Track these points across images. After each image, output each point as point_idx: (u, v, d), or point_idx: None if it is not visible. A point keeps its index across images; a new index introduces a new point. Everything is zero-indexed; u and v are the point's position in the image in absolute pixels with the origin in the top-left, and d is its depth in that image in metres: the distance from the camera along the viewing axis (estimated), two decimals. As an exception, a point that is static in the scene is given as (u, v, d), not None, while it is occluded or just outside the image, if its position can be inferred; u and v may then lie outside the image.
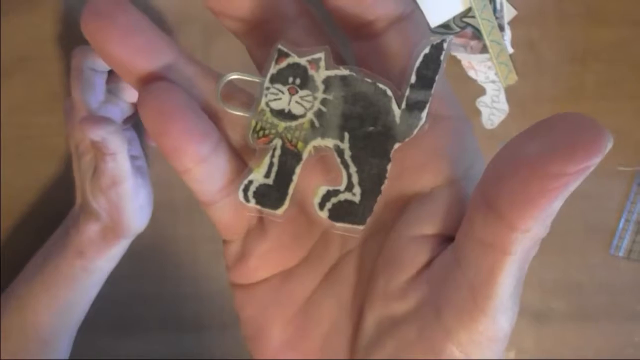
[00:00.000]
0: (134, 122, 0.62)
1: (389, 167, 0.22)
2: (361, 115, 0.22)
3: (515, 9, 0.63)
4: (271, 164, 0.23)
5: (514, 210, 0.19)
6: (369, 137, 0.22)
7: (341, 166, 0.23)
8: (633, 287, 0.66)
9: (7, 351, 0.56)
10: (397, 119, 0.22)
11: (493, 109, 0.64)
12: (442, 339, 0.21)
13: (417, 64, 0.22)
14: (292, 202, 0.23)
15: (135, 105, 0.60)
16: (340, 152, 0.22)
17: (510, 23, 0.63)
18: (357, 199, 0.23)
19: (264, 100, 0.22)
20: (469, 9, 0.61)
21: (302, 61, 0.22)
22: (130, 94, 0.59)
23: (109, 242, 0.58)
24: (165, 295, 0.66)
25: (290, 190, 0.23)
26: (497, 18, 0.61)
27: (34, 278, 0.58)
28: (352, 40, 0.24)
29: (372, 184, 0.22)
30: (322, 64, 0.22)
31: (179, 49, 0.23)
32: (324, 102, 0.22)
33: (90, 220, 0.57)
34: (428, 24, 0.61)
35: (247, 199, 0.23)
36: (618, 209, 0.66)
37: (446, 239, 0.23)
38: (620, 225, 0.66)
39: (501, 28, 0.62)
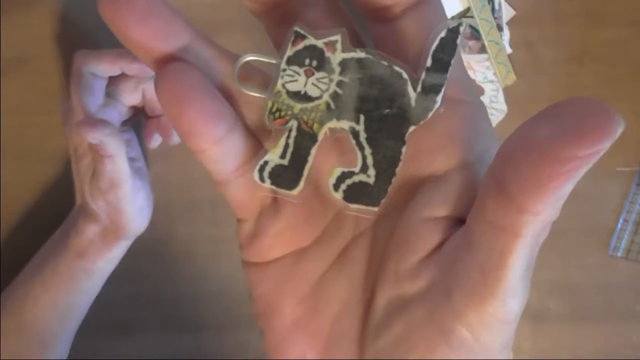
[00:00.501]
0: (133, 124, 0.62)
1: (403, 149, 0.22)
2: (377, 98, 0.22)
3: (514, 9, 0.63)
4: (287, 145, 0.23)
5: (525, 193, 0.19)
6: (385, 120, 0.22)
7: (356, 148, 0.23)
8: (631, 287, 0.66)
9: (6, 352, 0.56)
10: (413, 102, 0.22)
11: (491, 109, 0.64)
12: (451, 320, 0.21)
13: (433, 47, 0.22)
14: (307, 183, 0.23)
15: (133, 108, 0.60)
16: (355, 134, 0.23)
17: (509, 23, 0.63)
18: (371, 180, 0.23)
19: (280, 82, 0.22)
20: (468, 9, 0.61)
21: (319, 43, 0.22)
22: (129, 98, 0.59)
23: (109, 244, 0.58)
24: (163, 295, 0.66)
25: (306, 172, 0.23)
26: (495, 18, 0.62)
27: (33, 279, 0.58)
28: (370, 22, 0.24)
29: (386, 166, 0.23)
30: (339, 46, 0.22)
31: (195, 31, 0.23)
32: (340, 84, 0.22)
33: (89, 222, 0.57)
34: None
35: (262, 179, 0.23)
36: (616, 209, 0.66)
37: (458, 221, 0.23)
38: (619, 225, 0.66)
39: (499, 28, 0.62)
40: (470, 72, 0.64)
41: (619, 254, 0.66)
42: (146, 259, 0.65)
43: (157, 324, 0.66)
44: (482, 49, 0.62)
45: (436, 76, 0.22)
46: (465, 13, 0.61)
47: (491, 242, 0.20)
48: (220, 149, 0.23)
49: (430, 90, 0.22)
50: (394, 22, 0.23)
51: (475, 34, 0.62)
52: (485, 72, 0.64)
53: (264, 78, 0.24)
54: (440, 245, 0.23)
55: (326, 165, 0.24)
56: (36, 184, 0.66)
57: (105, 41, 0.65)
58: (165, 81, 0.22)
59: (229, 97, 0.23)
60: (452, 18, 0.61)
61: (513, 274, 0.20)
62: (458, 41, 0.22)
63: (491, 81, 0.64)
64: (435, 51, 0.22)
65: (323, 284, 0.25)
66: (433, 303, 0.22)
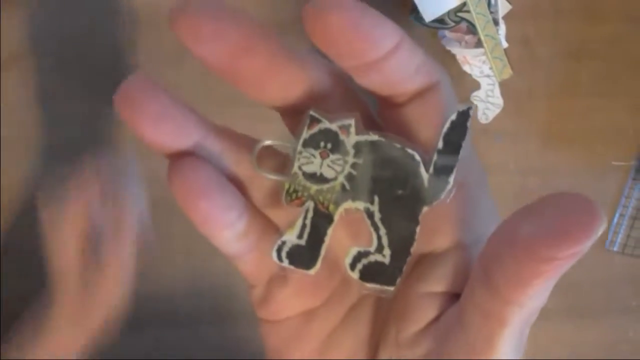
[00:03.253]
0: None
1: (417, 229, 0.23)
2: (390, 179, 0.23)
3: (510, 3, 0.63)
4: (304, 226, 0.24)
5: (509, 287, 0.20)
6: (398, 201, 0.23)
7: (371, 228, 0.23)
8: (628, 282, 0.66)
9: None
10: (426, 183, 0.23)
11: (488, 103, 0.64)
12: None
13: (445, 129, 0.23)
14: (323, 261, 0.24)
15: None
16: (370, 215, 0.23)
17: (505, 18, 0.63)
18: (387, 260, 0.23)
19: (296, 164, 0.23)
20: (464, 4, 0.61)
21: (333, 127, 0.23)
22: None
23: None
24: (161, 292, 0.66)
25: (322, 251, 0.24)
26: (491, 12, 0.61)
27: None
28: (380, 107, 0.24)
29: (401, 245, 0.23)
30: (353, 129, 0.23)
31: (208, 126, 0.24)
32: (354, 166, 0.23)
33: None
34: (423, 19, 0.61)
35: (280, 259, 0.24)
36: (613, 204, 0.66)
37: (454, 296, 0.24)
38: (615, 220, 0.66)
39: (496, 22, 0.62)
40: (466, 67, 0.64)
41: (615, 249, 0.66)
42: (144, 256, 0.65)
43: (156, 321, 0.66)
44: (479, 44, 0.62)
45: (448, 158, 0.23)
46: (461, 7, 0.61)
47: (480, 325, 0.21)
48: (230, 233, 0.24)
49: (442, 171, 0.23)
50: (401, 108, 0.24)
51: (471, 28, 0.62)
52: (481, 67, 0.64)
53: (279, 159, 0.25)
54: (437, 318, 0.24)
55: (337, 240, 0.25)
56: (32, 181, 0.65)
57: (101, 40, 0.65)
58: (177, 176, 0.23)
59: (239, 183, 0.25)
60: (448, 13, 0.61)
61: (501, 355, 0.21)
62: (468, 124, 0.22)
63: (487, 75, 0.64)
64: (446, 133, 0.23)
65: (330, 341, 0.26)
66: None
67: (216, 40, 0.22)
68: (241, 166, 0.25)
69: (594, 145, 0.65)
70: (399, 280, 0.23)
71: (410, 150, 0.23)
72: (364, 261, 0.24)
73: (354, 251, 0.24)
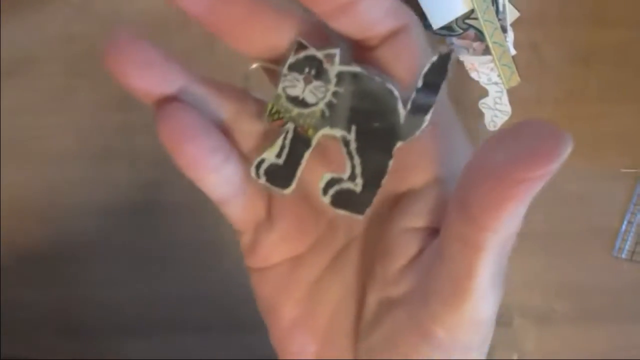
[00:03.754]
0: None
1: (390, 163, 0.24)
2: (368, 111, 0.24)
3: (518, 10, 0.63)
4: (283, 146, 0.25)
5: (484, 213, 0.21)
6: (374, 133, 0.24)
7: (346, 156, 0.24)
8: (636, 289, 0.66)
9: None
10: (402, 120, 0.24)
11: (496, 110, 0.64)
12: (429, 322, 0.23)
13: (425, 70, 0.23)
14: (298, 187, 0.25)
15: None
16: (346, 143, 0.24)
17: (513, 25, 0.63)
18: (358, 189, 0.24)
19: (280, 86, 0.24)
20: (472, 11, 0.61)
21: (319, 54, 0.24)
22: None
23: None
24: (164, 297, 0.66)
25: (298, 173, 0.25)
26: (499, 20, 0.61)
27: None
28: (355, 52, 0.25)
29: (373, 176, 0.24)
30: (337, 59, 0.24)
31: (190, 74, 0.25)
32: (335, 94, 0.24)
33: None
34: (431, 26, 0.61)
35: (258, 176, 0.25)
36: (621, 211, 0.66)
37: (435, 231, 0.25)
38: (623, 227, 0.66)
39: (504, 30, 0.62)
40: (474, 74, 0.64)
41: (623, 256, 0.66)
42: (149, 261, 0.65)
43: (162, 326, 0.66)
44: (486, 51, 0.62)
45: (426, 97, 0.24)
46: (469, 14, 0.61)
47: (459, 255, 0.22)
48: (216, 177, 0.25)
49: (419, 109, 0.24)
50: (374, 51, 0.25)
51: (479, 35, 0.62)
52: (489, 74, 0.64)
53: (259, 106, 0.26)
54: (419, 253, 0.25)
55: (316, 176, 0.26)
56: (37, 186, 0.66)
57: (104, 45, 0.65)
58: (164, 121, 0.24)
59: (224, 128, 0.26)
60: (456, 20, 0.62)
61: (481, 283, 0.22)
62: (448, 66, 0.23)
63: (495, 83, 0.64)
64: (426, 74, 0.24)
65: (319, 286, 0.28)
66: (413, 306, 0.24)
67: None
68: (225, 112, 0.26)
69: (602, 152, 0.65)
70: (368, 209, 0.24)
71: (390, 86, 0.24)
72: (337, 187, 0.25)
73: (327, 177, 0.25)
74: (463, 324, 0.23)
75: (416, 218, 0.25)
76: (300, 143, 0.24)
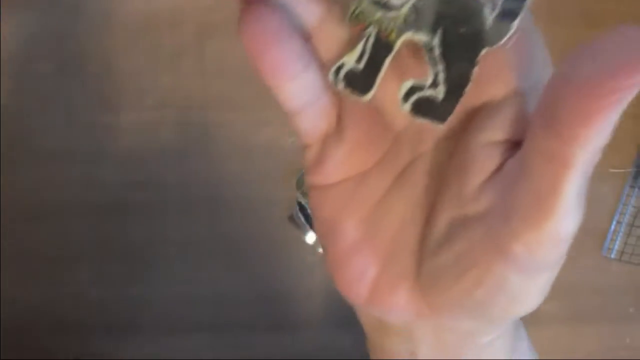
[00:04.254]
0: None
1: (475, 70, 0.23)
2: (455, 16, 0.23)
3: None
4: (364, 51, 0.24)
5: (572, 128, 0.20)
6: (460, 39, 0.23)
7: (429, 63, 0.23)
8: (625, 289, 0.66)
9: None
10: (489, 25, 0.23)
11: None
12: (509, 240, 0.22)
13: None
14: (377, 118, 0.25)
15: None
16: (430, 49, 0.23)
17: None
18: (440, 97, 0.23)
19: None
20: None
21: None
22: None
23: None
24: (156, 297, 0.66)
25: (379, 79, 0.24)
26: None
27: None
28: None
29: (456, 84, 0.23)
30: None
31: None
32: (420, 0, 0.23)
33: None
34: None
35: (336, 81, 0.24)
36: (610, 211, 0.66)
37: (515, 145, 0.24)
38: (612, 227, 0.66)
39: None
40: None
41: (613, 256, 0.66)
42: (140, 260, 0.65)
43: (155, 326, 0.66)
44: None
45: (515, 2, 0.23)
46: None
47: (544, 171, 0.21)
48: (295, 85, 0.25)
49: (507, 15, 0.23)
50: None
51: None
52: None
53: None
54: (499, 168, 0.24)
55: (388, 88, 0.25)
56: (28, 185, 0.66)
57: (98, 43, 0.65)
58: (247, 22, 0.23)
59: (307, 35, 0.25)
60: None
61: (566, 199, 0.21)
62: None
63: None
64: None
65: (383, 204, 0.27)
66: (492, 224, 0.23)
67: None
68: (313, 14, 0.25)
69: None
70: (450, 116, 0.24)
71: None
72: (417, 95, 0.24)
73: (408, 84, 0.24)
74: (544, 242, 0.22)
75: (496, 131, 0.24)
76: (382, 48, 0.24)
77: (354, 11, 0.23)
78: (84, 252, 0.65)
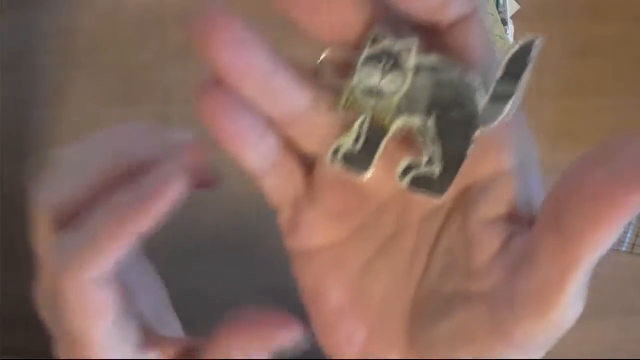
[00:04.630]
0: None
1: (470, 149, 0.24)
2: (448, 101, 0.24)
3: (519, 3, 0.63)
4: (359, 134, 0.24)
5: (582, 233, 0.20)
6: (454, 121, 0.24)
7: (424, 144, 0.24)
8: (635, 282, 0.66)
9: None
10: (482, 108, 0.23)
11: (496, 103, 0.64)
12: (512, 325, 0.23)
13: (507, 59, 0.23)
14: (353, 187, 0.25)
15: None
16: (424, 132, 0.24)
17: (513, 18, 0.63)
18: (437, 173, 0.24)
19: (357, 77, 0.24)
20: (472, 4, 0.61)
21: (396, 47, 0.23)
22: None
23: None
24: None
25: (376, 159, 0.24)
26: (500, 12, 0.61)
27: None
28: (421, 35, 0.25)
29: (452, 162, 0.24)
30: (414, 51, 0.23)
31: (277, 58, 0.24)
32: (412, 85, 0.24)
33: None
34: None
35: (335, 162, 0.25)
36: (621, 204, 0.66)
37: (514, 220, 0.25)
38: (623, 220, 0.66)
39: (504, 22, 0.62)
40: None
41: (624, 249, 0.66)
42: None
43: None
44: (487, 44, 0.62)
45: (507, 87, 0.23)
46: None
47: (551, 266, 0.22)
48: (252, 153, 0.25)
49: (499, 99, 0.23)
50: (442, 36, 0.24)
51: (479, 28, 0.62)
52: (489, 67, 0.64)
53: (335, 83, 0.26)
54: (504, 246, 0.24)
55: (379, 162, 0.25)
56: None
57: (104, 39, 0.65)
58: (204, 99, 0.24)
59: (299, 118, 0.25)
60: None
61: (572, 293, 0.22)
62: (530, 57, 0.24)
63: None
64: (508, 63, 0.23)
65: (369, 271, 0.27)
66: (496, 306, 0.24)
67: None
68: (303, 99, 0.25)
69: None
70: (447, 191, 0.24)
71: (469, 75, 0.23)
72: (415, 172, 0.24)
73: (405, 162, 0.24)
74: (546, 330, 0.23)
75: (489, 209, 0.25)
76: (377, 131, 0.24)
77: (347, 99, 0.24)
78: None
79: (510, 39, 0.62)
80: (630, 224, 0.66)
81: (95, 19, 0.65)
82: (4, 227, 0.66)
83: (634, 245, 0.66)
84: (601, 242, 0.21)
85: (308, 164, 0.27)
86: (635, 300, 0.66)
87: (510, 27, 0.63)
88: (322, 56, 0.24)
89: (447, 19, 0.24)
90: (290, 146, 0.26)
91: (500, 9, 0.62)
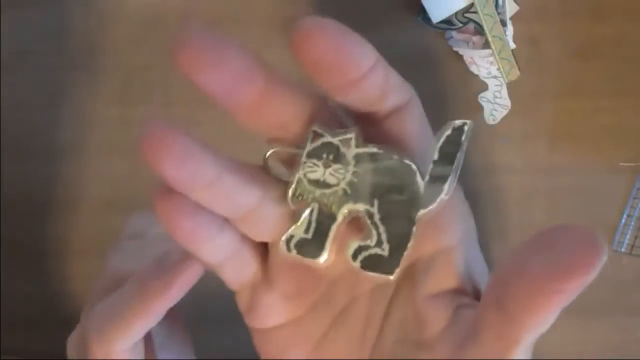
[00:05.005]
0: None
1: (414, 229, 0.25)
2: (389, 186, 0.25)
3: (518, 4, 0.63)
4: (309, 222, 0.26)
5: (523, 315, 0.22)
6: (396, 204, 0.25)
7: (371, 227, 0.25)
8: (635, 283, 0.66)
9: None
10: (422, 190, 0.25)
11: (495, 104, 0.64)
12: None
13: (440, 142, 0.25)
14: (306, 268, 0.27)
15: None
16: (370, 215, 0.25)
17: (512, 18, 0.63)
18: (385, 253, 0.25)
19: (301, 172, 0.25)
20: (472, 5, 0.61)
21: (335, 140, 0.25)
22: None
23: None
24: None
25: (328, 245, 0.26)
26: (499, 13, 0.61)
27: None
28: (362, 125, 0.26)
29: (399, 242, 0.25)
30: (353, 142, 0.25)
31: (222, 164, 0.25)
32: (355, 174, 0.25)
33: None
34: (430, 20, 0.61)
35: (289, 249, 0.26)
36: (620, 205, 0.66)
37: (459, 292, 0.26)
38: (622, 220, 0.66)
39: (503, 23, 0.62)
40: (474, 68, 0.64)
41: (623, 250, 0.66)
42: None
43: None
44: (486, 45, 0.62)
45: (442, 168, 0.25)
46: (469, 8, 0.61)
47: (494, 345, 0.24)
48: (210, 246, 0.26)
49: (437, 180, 0.25)
50: (379, 125, 0.26)
51: (479, 29, 0.62)
52: (489, 68, 0.64)
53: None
54: (451, 319, 0.26)
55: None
56: (36, 180, 0.66)
57: (103, 40, 0.65)
58: (160, 200, 0.25)
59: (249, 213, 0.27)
60: (456, 14, 0.61)
61: None
62: (462, 138, 0.25)
63: (495, 76, 0.64)
64: (441, 146, 0.25)
65: (325, 342, 0.28)
66: None
67: (218, 68, 0.23)
68: (252, 197, 0.26)
69: (601, 146, 0.65)
70: (397, 270, 0.25)
71: (407, 161, 0.25)
72: (364, 253, 0.26)
73: (354, 244, 0.26)
74: None
75: (440, 281, 0.26)
76: (325, 218, 0.26)
77: (294, 192, 0.25)
78: (92, 247, 0.66)
79: (510, 40, 0.63)
80: (629, 225, 0.66)
81: (95, 20, 0.65)
82: (4, 227, 0.66)
83: (632, 246, 0.66)
84: (540, 324, 0.22)
85: (262, 250, 0.28)
86: (635, 301, 0.66)
87: (510, 28, 0.63)
88: (267, 153, 0.26)
89: (384, 108, 0.25)
90: (245, 236, 0.27)
91: (500, 10, 0.62)
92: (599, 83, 0.65)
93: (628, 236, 0.66)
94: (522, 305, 0.22)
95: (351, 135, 0.25)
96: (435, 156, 0.25)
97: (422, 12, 0.62)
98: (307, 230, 0.26)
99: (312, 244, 0.26)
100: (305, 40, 0.22)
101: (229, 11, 0.65)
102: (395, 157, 0.25)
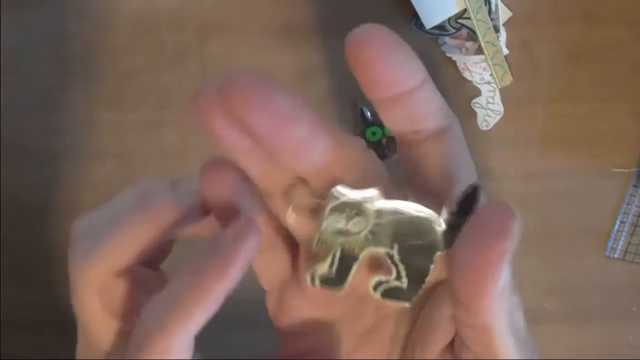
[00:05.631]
0: None
1: (432, 267, 0.27)
2: (408, 234, 0.27)
3: (511, 10, 0.63)
4: (332, 262, 0.27)
5: (472, 304, 0.23)
6: (415, 248, 0.27)
7: (391, 265, 0.27)
8: (628, 288, 0.66)
9: None
10: (439, 236, 0.27)
11: (488, 110, 0.64)
12: None
13: (460, 197, 0.26)
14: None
15: None
16: (390, 257, 0.27)
17: (505, 24, 0.64)
18: (404, 286, 0.27)
19: (325, 224, 0.27)
20: (464, 10, 0.61)
21: (357, 199, 0.26)
22: None
23: None
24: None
25: (349, 279, 0.27)
26: (492, 19, 0.62)
27: None
28: (399, 145, 0.27)
29: (417, 277, 0.27)
30: (374, 201, 0.26)
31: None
32: (376, 225, 0.27)
33: None
34: (423, 26, 0.61)
35: (313, 283, 0.28)
36: (613, 211, 0.66)
37: None
38: (615, 226, 0.66)
39: (496, 29, 0.62)
40: (467, 74, 0.64)
41: (616, 256, 0.66)
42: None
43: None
44: (479, 50, 0.62)
45: (459, 219, 0.26)
46: (462, 14, 0.62)
47: (475, 339, 0.25)
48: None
49: (455, 228, 0.26)
50: (419, 146, 0.26)
51: (472, 35, 0.62)
52: (482, 74, 0.64)
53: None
54: (454, 339, 0.27)
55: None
56: (31, 184, 0.66)
57: (100, 42, 0.65)
58: (210, 181, 0.26)
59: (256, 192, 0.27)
60: (449, 19, 0.62)
61: (507, 352, 0.25)
62: (479, 195, 0.26)
63: (488, 82, 0.64)
64: (460, 201, 0.26)
65: (354, 353, 0.29)
66: None
67: (266, 109, 0.23)
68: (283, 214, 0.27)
69: (594, 151, 0.65)
70: (414, 298, 0.27)
71: (426, 214, 0.26)
72: (385, 286, 0.27)
73: (375, 279, 0.27)
74: None
75: (448, 306, 0.27)
76: (348, 259, 0.27)
77: (318, 240, 0.27)
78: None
79: (503, 45, 0.63)
80: (622, 231, 0.66)
81: (89, 25, 0.65)
82: (4, 228, 0.66)
83: (625, 252, 0.66)
84: (490, 305, 0.23)
85: (294, 249, 0.29)
86: (630, 306, 0.67)
87: (502, 34, 0.63)
88: (294, 199, 0.27)
89: (427, 129, 0.25)
90: (280, 229, 0.28)
91: (493, 16, 0.62)
92: (592, 88, 0.65)
93: (621, 242, 0.66)
94: (465, 294, 0.23)
95: (373, 194, 0.26)
96: (455, 208, 0.26)
97: (416, 18, 0.62)
98: (330, 268, 0.27)
99: (335, 279, 0.28)
100: (358, 48, 0.23)
101: (223, 16, 0.65)
102: (415, 212, 0.26)
